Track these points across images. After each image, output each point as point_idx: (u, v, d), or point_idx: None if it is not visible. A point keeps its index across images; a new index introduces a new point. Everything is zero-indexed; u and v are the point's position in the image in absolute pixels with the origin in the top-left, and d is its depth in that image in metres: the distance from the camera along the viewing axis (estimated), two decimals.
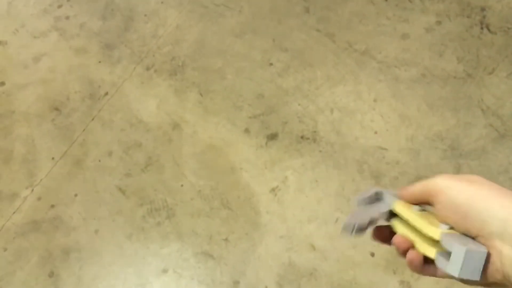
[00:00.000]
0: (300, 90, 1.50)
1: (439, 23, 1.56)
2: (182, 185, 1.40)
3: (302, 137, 1.42)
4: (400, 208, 0.47)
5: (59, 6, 1.79)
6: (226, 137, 1.46)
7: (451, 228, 0.41)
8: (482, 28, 1.52)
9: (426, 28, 1.56)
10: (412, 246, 0.45)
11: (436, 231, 0.41)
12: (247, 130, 1.46)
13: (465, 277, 0.38)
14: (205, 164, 1.42)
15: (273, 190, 1.36)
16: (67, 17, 1.77)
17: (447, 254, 0.40)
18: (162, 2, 1.74)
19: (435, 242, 0.42)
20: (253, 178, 1.38)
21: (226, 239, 1.30)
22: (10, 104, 1.60)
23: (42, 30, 1.75)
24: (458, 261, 0.38)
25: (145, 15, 1.73)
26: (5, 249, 1.36)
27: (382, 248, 1.24)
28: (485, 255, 0.38)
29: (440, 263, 0.41)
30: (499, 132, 1.36)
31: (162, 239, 1.33)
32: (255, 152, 1.42)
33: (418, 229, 0.44)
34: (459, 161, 1.33)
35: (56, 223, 1.38)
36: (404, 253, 0.45)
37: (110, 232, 1.36)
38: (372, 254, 1.24)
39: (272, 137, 1.44)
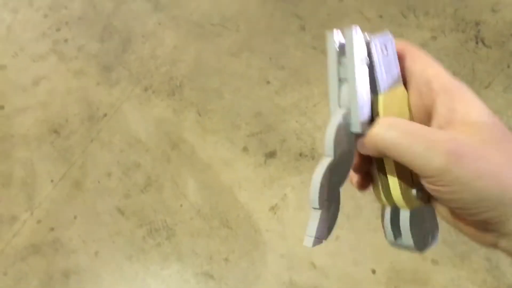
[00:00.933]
0: (297, 108, 1.51)
1: (434, 38, 1.57)
2: (181, 205, 1.39)
3: (300, 155, 1.43)
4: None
5: (58, 29, 1.81)
6: (224, 156, 1.46)
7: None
8: (477, 43, 1.54)
9: (421, 44, 1.57)
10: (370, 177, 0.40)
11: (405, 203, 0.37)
12: (245, 149, 1.46)
13: None
14: (204, 184, 1.42)
15: (272, 208, 1.36)
16: (66, 40, 1.79)
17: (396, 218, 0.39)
18: (159, 24, 1.76)
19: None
20: (252, 196, 1.38)
21: (226, 259, 1.30)
22: (9, 127, 1.61)
23: (41, 53, 1.77)
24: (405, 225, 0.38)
25: (143, 36, 1.75)
26: (5, 274, 1.35)
27: (383, 265, 1.23)
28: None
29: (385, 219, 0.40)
30: None
31: (162, 260, 1.32)
32: (253, 170, 1.42)
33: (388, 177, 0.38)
34: None
35: (56, 246, 1.38)
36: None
37: (110, 253, 1.35)
38: (373, 271, 1.23)
39: (271, 155, 1.44)
